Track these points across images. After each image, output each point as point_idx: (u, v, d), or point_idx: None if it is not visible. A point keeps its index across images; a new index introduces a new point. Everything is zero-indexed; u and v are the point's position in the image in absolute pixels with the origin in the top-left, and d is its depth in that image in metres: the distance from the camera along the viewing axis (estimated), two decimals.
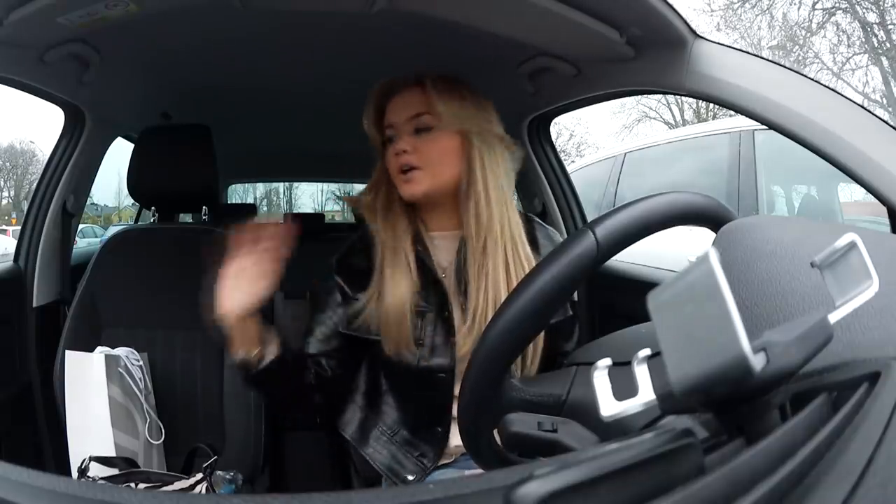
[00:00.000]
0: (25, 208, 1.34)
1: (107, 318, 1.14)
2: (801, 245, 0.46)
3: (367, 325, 0.84)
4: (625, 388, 0.36)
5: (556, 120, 1.48)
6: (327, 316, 0.88)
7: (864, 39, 11.42)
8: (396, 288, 0.82)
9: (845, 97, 0.76)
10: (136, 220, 2.41)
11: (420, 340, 0.84)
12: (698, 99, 0.88)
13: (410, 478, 0.87)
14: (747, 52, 0.81)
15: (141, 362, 1.08)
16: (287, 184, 8.63)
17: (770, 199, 2.70)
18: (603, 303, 1.32)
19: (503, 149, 0.85)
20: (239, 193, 3.55)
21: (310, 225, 2.74)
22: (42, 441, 1.23)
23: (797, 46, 12.10)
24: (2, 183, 20.00)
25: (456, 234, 0.87)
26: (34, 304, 1.24)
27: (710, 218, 0.54)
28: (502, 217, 0.83)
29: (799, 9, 11.98)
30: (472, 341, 0.80)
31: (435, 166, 0.82)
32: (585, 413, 0.53)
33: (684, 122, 13.53)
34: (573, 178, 1.50)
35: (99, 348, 1.04)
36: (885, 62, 11.29)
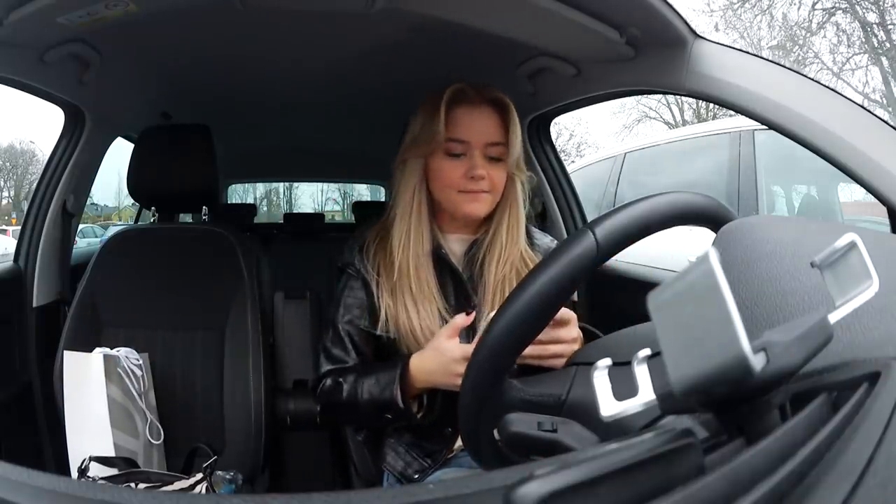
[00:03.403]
0: (25, 208, 1.34)
1: (107, 318, 1.14)
2: (801, 245, 0.46)
3: (388, 324, 0.85)
4: (625, 388, 0.36)
5: (556, 120, 1.48)
6: (354, 318, 0.88)
7: (864, 39, 11.41)
8: (422, 290, 0.84)
9: (845, 97, 0.76)
10: (136, 220, 2.41)
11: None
12: (698, 99, 0.88)
13: (417, 477, 0.87)
14: (747, 52, 0.81)
15: (140, 362, 1.07)
16: (287, 184, 8.62)
17: (770, 199, 2.70)
18: (603, 303, 1.32)
19: (525, 176, 0.91)
20: (239, 193, 3.54)
21: (310, 225, 2.74)
22: (42, 441, 1.23)
23: (797, 46, 12.08)
24: (2, 183, 19.96)
25: (467, 238, 0.90)
26: (34, 304, 1.24)
27: (710, 218, 0.54)
28: (521, 233, 0.90)
29: (799, 9, 11.96)
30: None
31: (497, 192, 0.87)
32: (585, 413, 0.53)
33: (684, 122, 13.48)
34: (573, 178, 1.50)
35: (98, 349, 1.03)
36: (885, 62, 11.28)
